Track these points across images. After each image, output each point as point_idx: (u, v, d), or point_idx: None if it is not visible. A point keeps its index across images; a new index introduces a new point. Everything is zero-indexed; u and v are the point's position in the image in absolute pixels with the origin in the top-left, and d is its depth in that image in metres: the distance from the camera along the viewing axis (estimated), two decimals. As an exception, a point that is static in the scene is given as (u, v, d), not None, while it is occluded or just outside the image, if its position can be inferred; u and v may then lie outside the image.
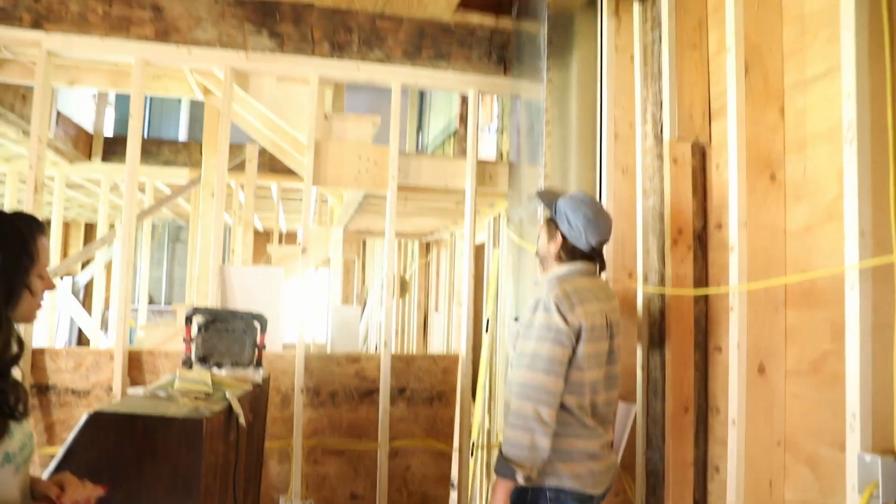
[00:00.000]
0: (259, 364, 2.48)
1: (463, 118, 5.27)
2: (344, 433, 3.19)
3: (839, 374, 1.75)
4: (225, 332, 2.42)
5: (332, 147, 3.18)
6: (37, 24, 2.92)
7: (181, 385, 2.03)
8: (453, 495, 3.24)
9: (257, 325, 2.45)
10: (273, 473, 3.12)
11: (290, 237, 10.71)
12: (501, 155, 4.22)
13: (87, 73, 3.93)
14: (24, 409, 1.33)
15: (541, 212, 2.76)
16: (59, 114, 4.98)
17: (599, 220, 1.98)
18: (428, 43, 3.24)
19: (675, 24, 2.34)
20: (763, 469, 1.93)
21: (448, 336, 5.26)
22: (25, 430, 1.35)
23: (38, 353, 3.01)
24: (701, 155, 2.35)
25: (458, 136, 5.31)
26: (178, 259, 11.77)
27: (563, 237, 1.97)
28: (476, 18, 3.30)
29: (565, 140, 2.81)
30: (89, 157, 5.47)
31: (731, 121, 1.99)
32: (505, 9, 3.36)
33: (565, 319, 1.83)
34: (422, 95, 7.52)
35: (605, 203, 2.72)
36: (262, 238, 10.85)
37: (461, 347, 3.24)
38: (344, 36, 3.14)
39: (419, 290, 6.05)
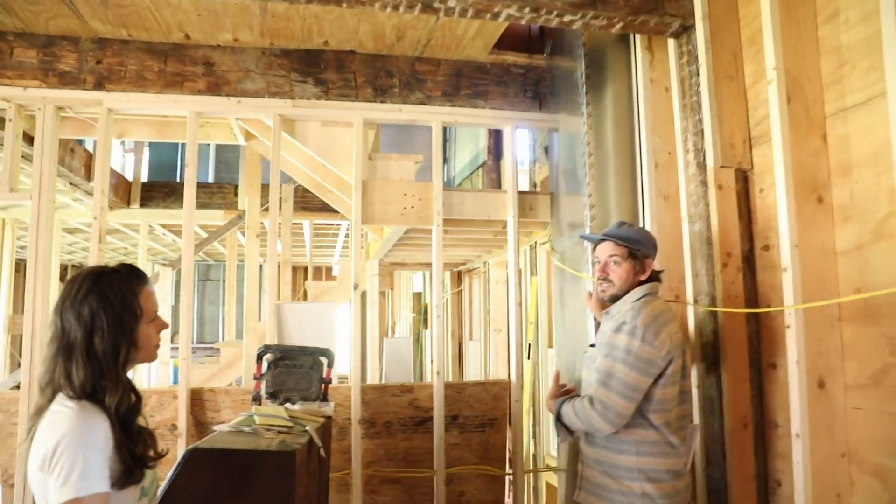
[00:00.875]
0: (325, 398, 2.58)
1: (490, 150, 5.41)
2: (399, 462, 3.27)
3: (901, 386, 1.83)
4: (293, 368, 2.52)
5: (378, 186, 3.31)
6: (99, 85, 3.10)
7: (262, 420, 2.13)
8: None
9: (324, 360, 2.55)
10: (332, 504, 3.20)
11: (318, 272, 10.88)
12: (535, 185, 4.34)
13: (134, 126, 4.12)
14: (154, 454, 1.43)
15: (588, 243, 2.87)
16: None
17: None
18: (465, 83, 3.39)
19: (712, 58, 2.46)
20: (828, 481, 1.99)
21: (485, 363, 5.33)
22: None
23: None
24: (744, 180, 2.45)
25: (487, 168, 5.46)
26: (209, 297, 11.94)
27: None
28: (510, 58, 3.44)
29: (605, 169, 2.92)
30: (128, 203, 5.65)
31: (777, 148, 2.10)
32: (536, 47, 3.51)
33: (651, 345, 1.92)
34: (446, 128, 7.71)
35: (650, 228, 2.81)
36: (293, 274, 11.04)
37: (511, 373, 3.32)
38: (385, 80, 3.30)
39: (452, 319, 6.15)
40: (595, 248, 2.19)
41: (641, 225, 2.87)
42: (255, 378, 2.52)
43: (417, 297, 7.63)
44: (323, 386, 2.57)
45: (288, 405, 2.43)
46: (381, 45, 3.24)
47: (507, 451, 3.47)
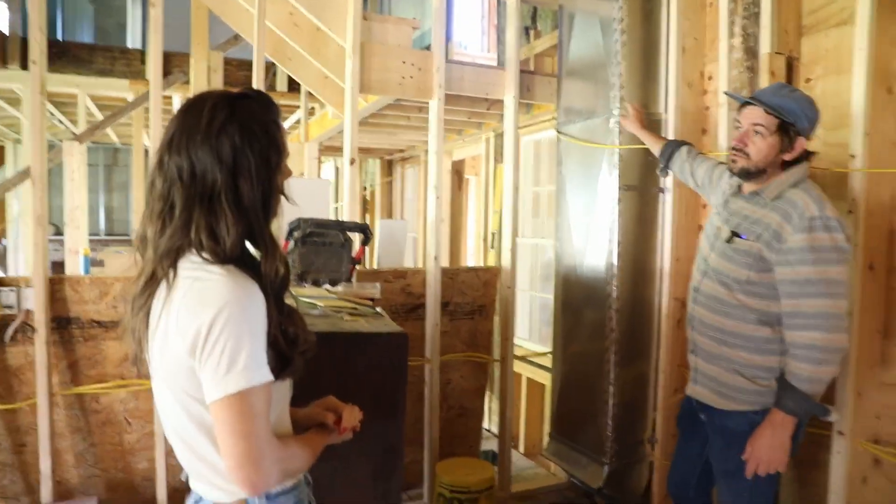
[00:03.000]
0: (350, 279, 2.36)
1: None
2: (389, 350, 3.14)
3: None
4: (322, 246, 2.25)
5: (377, 50, 2.94)
6: None
7: (327, 303, 1.90)
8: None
9: (357, 236, 2.30)
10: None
11: None
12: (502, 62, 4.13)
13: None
14: (307, 340, 1.18)
15: (613, 123, 2.78)
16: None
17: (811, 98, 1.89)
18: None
19: (775, -63, 2.38)
20: None
21: (423, 254, 5.23)
22: None
23: (56, 282, 2.63)
24: (789, 69, 2.45)
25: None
26: (117, 184, 10.58)
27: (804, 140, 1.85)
28: (522, -83, 3.13)
29: (632, 53, 2.80)
30: (3, 62, 4.61)
31: (861, 32, 2.09)
32: None
33: (845, 234, 1.77)
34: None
35: (672, 116, 2.78)
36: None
37: (504, 259, 3.24)
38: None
39: (382, 210, 5.91)
40: (739, 110, 1.94)
41: (663, 111, 2.83)
42: (280, 255, 2.22)
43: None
44: (352, 267, 2.33)
45: (327, 287, 2.19)
46: None
47: (492, 339, 3.46)
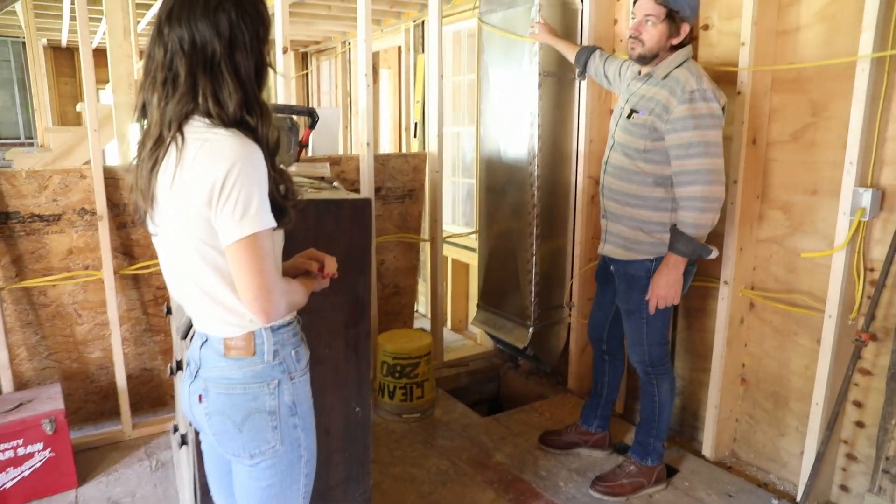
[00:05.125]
0: (297, 161, 2.49)
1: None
2: (327, 234, 3.31)
3: (816, 140, 2.39)
4: (271, 130, 2.35)
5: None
6: None
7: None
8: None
9: (303, 120, 2.41)
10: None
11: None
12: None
13: None
14: (295, 193, 1.35)
15: (534, 12, 2.95)
16: None
17: None
18: None
19: None
20: (747, 216, 2.57)
21: (345, 145, 5.28)
22: None
23: (-12, 175, 2.59)
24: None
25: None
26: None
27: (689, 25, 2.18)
28: None
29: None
30: None
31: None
32: None
33: (718, 103, 2.13)
34: None
35: (588, 5, 2.99)
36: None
37: (431, 145, 3.43)
38: None
39: (298, 102, 5.83)
40: (634, 2, 2.24)
41: (579, 0, 3.03)
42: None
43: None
44: (300, 149, 2.46)
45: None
46: None
47: (422, 220, 3.69)
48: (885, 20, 2.06)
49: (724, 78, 2.47)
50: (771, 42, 2.46)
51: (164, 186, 1.24)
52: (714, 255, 2.20)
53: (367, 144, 3.20)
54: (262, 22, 1.27)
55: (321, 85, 5.69)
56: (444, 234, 3.64)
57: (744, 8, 2.41)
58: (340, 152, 5.43)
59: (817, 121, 2.38)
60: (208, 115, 1.21)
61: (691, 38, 2.27)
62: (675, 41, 2.21)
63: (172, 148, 1.22)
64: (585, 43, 2.98)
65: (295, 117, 2.40)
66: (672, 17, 2.17)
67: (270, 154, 1.28)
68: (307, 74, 5.86)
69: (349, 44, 5.02)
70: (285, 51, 2.92)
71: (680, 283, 2.23)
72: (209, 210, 1.18)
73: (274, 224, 1.23)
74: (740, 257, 2.59)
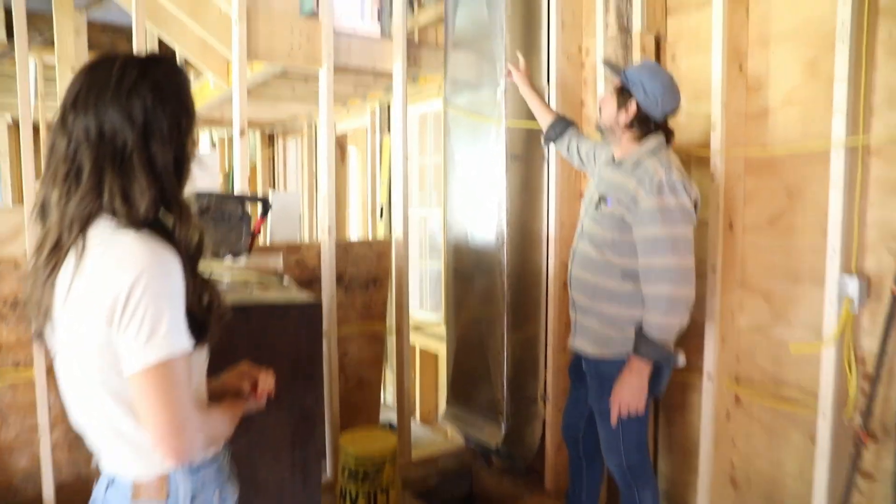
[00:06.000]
0: (250, 252, 2.31)
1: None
2: (285, 325, 3.10)
3: (795, 225, 2.29)
4: (221, 219, 2.19)
5: (264, 16, 2.85)
6: None
7: (234, 276, 1.87)
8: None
9: (257, 207, 2.25)
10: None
11: None
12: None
13: None
14: (221, 306, 1.17)
15: (500, 95, 2.89)
16: None
17: (674, 88, 2.11)
18: None
19: (643, -76, 2.56)
20: (727, 304, 2.44)
21: (307, 230, 5.14)
22: None
23: None
24: (657, 47, 2.67)
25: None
26: None
27: (638, 106, 2.07)
28: None
29: (516, 27, 2.91)
30: None
31: (717, 15, 2.32)
32: None
33: (689, 198, 2.00)
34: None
35: (553, 87, 2.94)
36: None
37: (396, 230, 3.29)
38: None
39: (263, 184, 5.71)
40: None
41: (545, 83, 2.98)
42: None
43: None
44: (251, 239, 2.29)
45: (228, 261, 2.13)
46: None
47: (386, 308, 3.51)
48: (854, 104, 2.01)
49: (698, 162, 2.40)
50: (741, 125, 2.40)
51: (60, 300, 1.06)
52: (682, 363, 2.05)
53: (329, 231, 3.05)
54: (184, 110, 1.12)
55: (287, 165, 5.60)
56: (411, 323, 3.45)
57: (712, 91, 2.36)
58: (306, 237, 5.29)
59: (794, 205, 2.29)
60: (115, 214, 1.04)
61: (664, 129, 2.17)
62: (622, 119, 2.11)
63: (72, 254, 1.04)
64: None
65: (247, 205, 2.24)
66: (622, 91, 2.10)
67: (191, 259, 1.11)
68: (273, 154, 5.77)
69: (315, 124, 4.96)
70: (242, 133, 2.80)
71: (644, 391, 2.04)
72: (110, 330, 1.00)
73: (189, 347, 1.04)
74: (723, 348, 2.43)
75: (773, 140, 2.34)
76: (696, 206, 2.07)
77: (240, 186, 2.77)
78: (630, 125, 2.10)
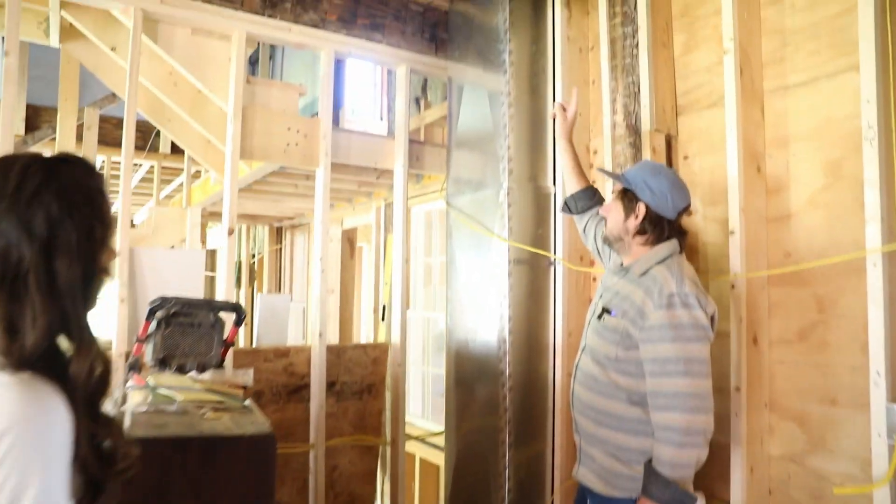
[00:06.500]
0: (222, 364, 2.11)
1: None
2: (269, 437, 2.85)
3: (828, 341, 2.04)
4: (190, 328, 2.01)
5: (260, 115, 2.79)
6: None
7: (189, 395, 1.66)
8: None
9: (230, 316, 2.07)
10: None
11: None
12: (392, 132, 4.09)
13: None
14: (126, 455, 0.96)
15: (503, 196, 2.75)
16: None
17: (681, 183, 1.90)
18: (363, 11, 3.01)
19: (651, 22, 2.49)
20: (755, 428, 2.16)
21: (306, 327, 4.95)
22: None
23: None
24: (668, 146, 2.53)
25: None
26: None
27: (647, 208, 1.84)
28: (411, -8, 3.15)
29: (520, 125, 2.81)
30: None
31: (730, 116, 2.18)
32: (435, -15, 3.26)
33: (705, 312, 1.73)
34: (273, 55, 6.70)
35: (561, 186, 2.79)
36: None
37: (393, 335, 3.08)
38: (276, -10, 2.78)
39: (270, 278, 5.59)
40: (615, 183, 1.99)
41: (552, 183, 2.84)
42: (138, 340, 1.96)
43: (212, 254, 6.83)
44: (224, 350, 2.09)
45: (193, 375, 1.93)
46: (277, -51, 2.71)
47: (382, 419, 3.24)
48: (889, 209, 1.81)
49: (716, 270, 2.19)
50: (761, 230, 2.21)
51: None
52: (701, 502, 1.73)
53: (320, 335, 2.85)
54: (97, 217, 0.95)
55: (294, 260, 5.50)
56: (412, 432, 3.18)
57: (729, 193, 2.19)
58: (301, 340, 5.09)
59: (826, 318, 2.05)
60: None
61: (680, 232, 1.94)
62: (631, 225, 1.87)
63: None
64: (560, 229, 2.74)
65: (220, 312, 2.07)
66: (626, 194, 1.88)
67: (91, 398, 0.91)
68: (280, 249, 5.69)
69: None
70: (230, 233, 2.66)
71: None
72: None
73: None
74: (751, 479, 2.13)
75: (797, 246, 2.14)
76: (712, 322, 1.81)
77: (224, 288, 2.62)
78: (641, 230, 1.87)
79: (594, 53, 2.90)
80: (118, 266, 2.44)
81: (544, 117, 2.86)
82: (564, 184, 2.40)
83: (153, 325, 1.95)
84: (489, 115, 2.85)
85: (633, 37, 2.54)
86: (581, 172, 2.35)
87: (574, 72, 2.85)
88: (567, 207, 2.33)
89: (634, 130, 2.54)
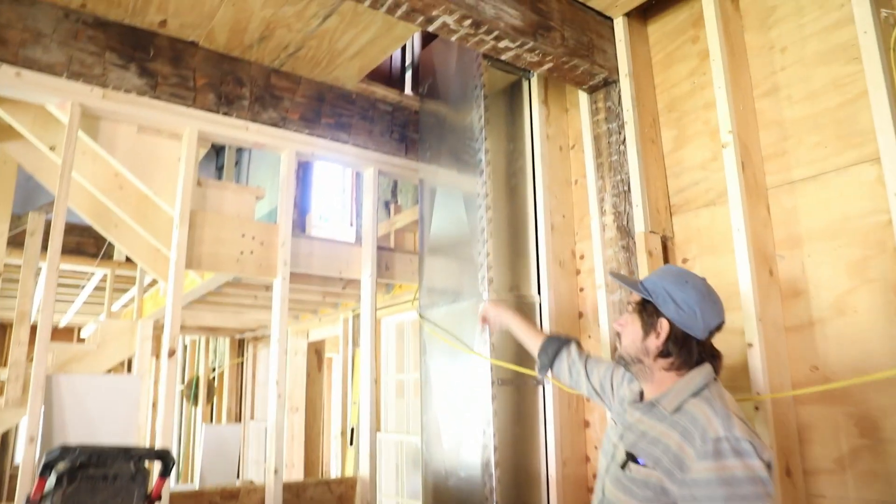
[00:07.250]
0: (145, 523, 1.69)
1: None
2: None
3: (877, 471, 1.72)
4: (102, 482, 1.61)
5: (210, 220, 2.51)
6: None
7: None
8: None
9: (154, 466, 1.68)
10: None
11: (60, 333, 8.70)
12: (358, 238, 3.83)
13: None
14: None
15: (483, 307, 2.45)
16: None
17: (713, 294, 1.54)
18: (328, 110, 2.82)
19: (638, 117, 2.33)
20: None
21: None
22: None
23: None
24: (664, 249, 2.30)
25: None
26: None
27: (671, 325, 1.48)
28: (380, 91, 2.98)
29: (499, 230, 2.57)
30: None
31: (736, 215, 1.97)
32: (399, 87, 3.12)
33: (762, 460, 1.31)
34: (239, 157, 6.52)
35: (546, 296, 2.52)
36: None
37: (361, 466, 2.67)
38: (233, 87, 2.57)
39: (230, 395, 5.10)
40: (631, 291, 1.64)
41: (536, 292, 2.56)
42: (28, 502, 1.54)
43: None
44: (147, 504, 1.68)
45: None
46: (236, 43, 2.52)
47: (348, 569, 2.75)
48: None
49: (728, 385, 1.89)
50: (780, 340, 1.94)
51: None
52: None
53: (275, 472, 2.43)
54: None
55: (257, 375, 5.04)
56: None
57: (742, 301, 1.93)
58: (261, 476, 4.57)
59: (872, 444, 1.75)
60: None
61: (713, 354, 1.53)
62: (652, 346, 1.51)
63: None
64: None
65: (143, 462, 1.67)
66: (645, 308, 1.52)
67: None
68: (242, 363, 5.24)
69: (288, 331, 4.50)
70: (171, 354, 2.30)
71: None
72: None
73: None
74: None
75: (826, 359, 1.86)
76: (768, 469, 1.35)
77: (162, 419, 2.22)
78: (664, 352, 1.50)
79: (575, 152, 2.73)
80: (30, 397, 2.05)
81: (524, 220, 2.63)
82: (528, 348, 2.05)
83: (51, 481, 1.54)
84: (465, 218, 2.60)
85: (620, 132, 2.37)
86: (535, 328, 2.08)
87: (555, 171, 2.65)
88: (543, 367, 1.96)
89: (626, 232, 2.30)
